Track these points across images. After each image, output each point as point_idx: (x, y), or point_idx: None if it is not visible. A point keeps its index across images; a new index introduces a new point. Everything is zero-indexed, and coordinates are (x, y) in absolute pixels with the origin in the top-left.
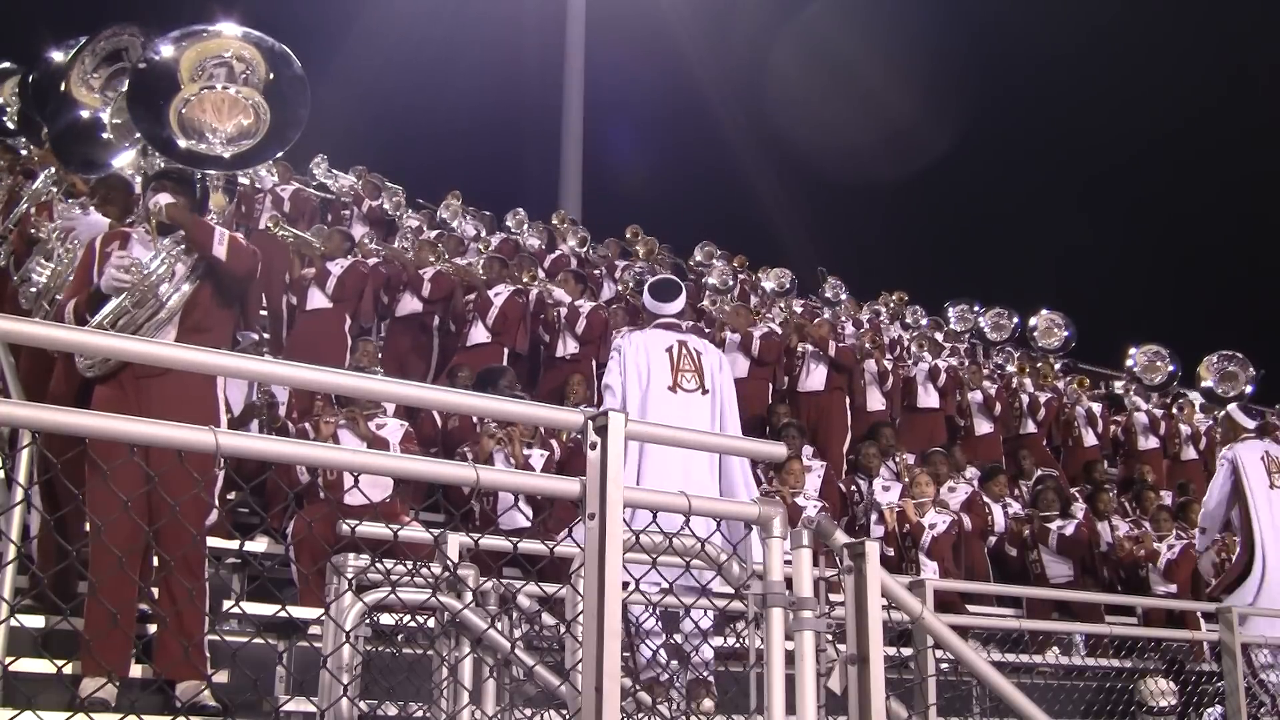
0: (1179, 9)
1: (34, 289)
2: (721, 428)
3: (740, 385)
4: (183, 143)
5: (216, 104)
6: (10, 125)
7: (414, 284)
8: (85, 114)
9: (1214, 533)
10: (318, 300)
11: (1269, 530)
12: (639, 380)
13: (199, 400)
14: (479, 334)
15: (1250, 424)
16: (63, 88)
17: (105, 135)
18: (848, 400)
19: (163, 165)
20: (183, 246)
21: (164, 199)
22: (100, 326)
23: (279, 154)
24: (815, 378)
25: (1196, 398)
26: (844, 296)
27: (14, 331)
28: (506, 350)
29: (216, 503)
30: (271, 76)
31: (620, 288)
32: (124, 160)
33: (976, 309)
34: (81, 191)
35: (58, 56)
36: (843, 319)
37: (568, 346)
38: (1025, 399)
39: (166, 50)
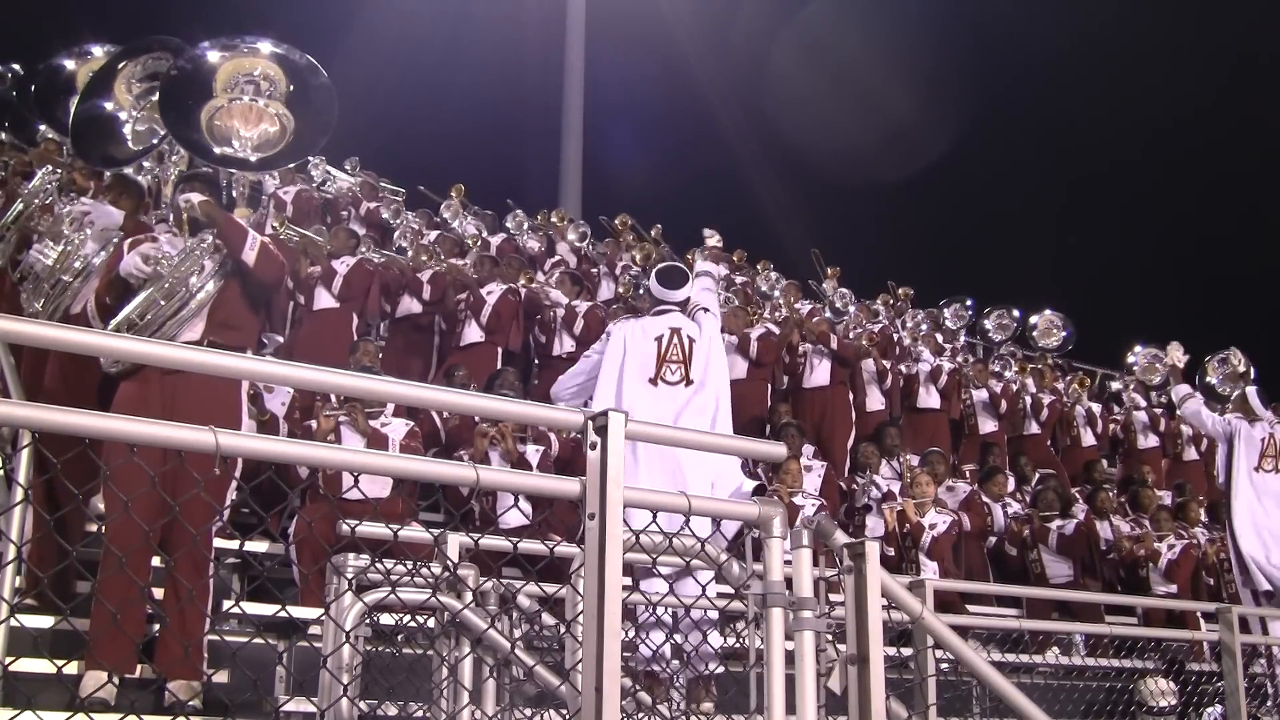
0: (1176, 9)
1: (37, 270)
2: (712, 419)
3: (739, 386)
4: (217, 149)
5: (244, 112)
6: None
7: (414, 286)
8: (112, 109)
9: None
10: (324, 301)
11: (1242, 518)
12: (619, 371)
13: (223, 395)
14: (473, 333)
15: (1263, 411)
16: (112, 79)
17: (126, 134)
18: (850, 396)
19: (186, 168)
20: (212, 243)
21: (196, 197)
22: (129, 319)
23: (304, 158)
24: (819, 374)
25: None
26: (852, 308)
27: (14, 331)
28: (501, 350)
29: (228, 505)
30: (293, 89)
31: (621, 289)
32: (139, 160)
33: (969, 306)
34: (82, 187)
35: (97, 52)
36: (854, 329)
37: (564, 345)
38: (1028, 400)
39: (206, 59)
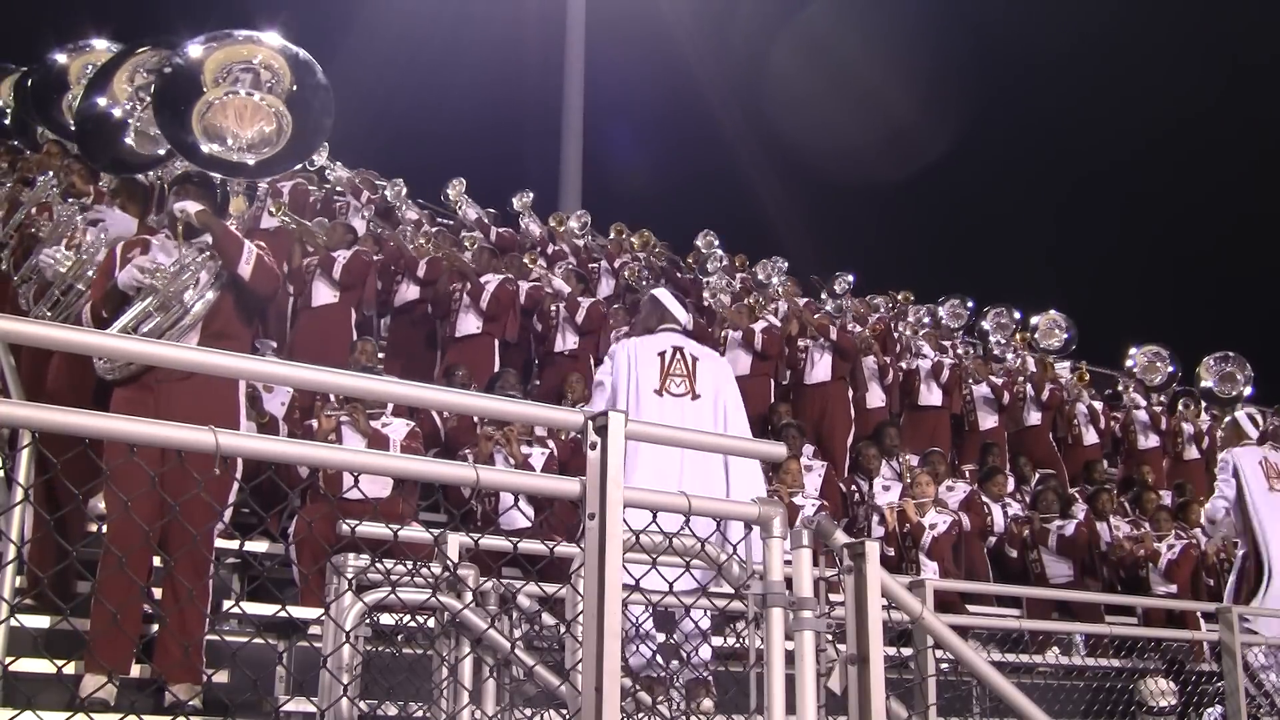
0: (1177, 9)
1: (48, 275)
2: (725, 431)
3: (742, 382)
4: (205, 148)
5: (239, 109)
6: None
7: (410, 265)
8: (108, 104)
9: (1222, 530)
10: (323, 296)
11: (1272, 533)
12: (626, 384)
13: (220, 405)
14: (469, 324)
15: (1254, 432)
16: (113, 75)
17: (132, 138)
18: (850, 393)
19: (183, 169)
20: (208, 254)
21: (192, 206)
22: (124, 331)
23: (303, 162)
24: (820, 368)
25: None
26: (850, 283)
27: (14, 331)
28: (497, 341)
29: (230, 507)
30: (295, 87)
31: (627, 274)
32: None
33: (969, 305)
34: (82, 191)
35: (98, 45)
36: (851, 321)
37: (567, 341)
38: (1029, 387)
39: (192, 52)
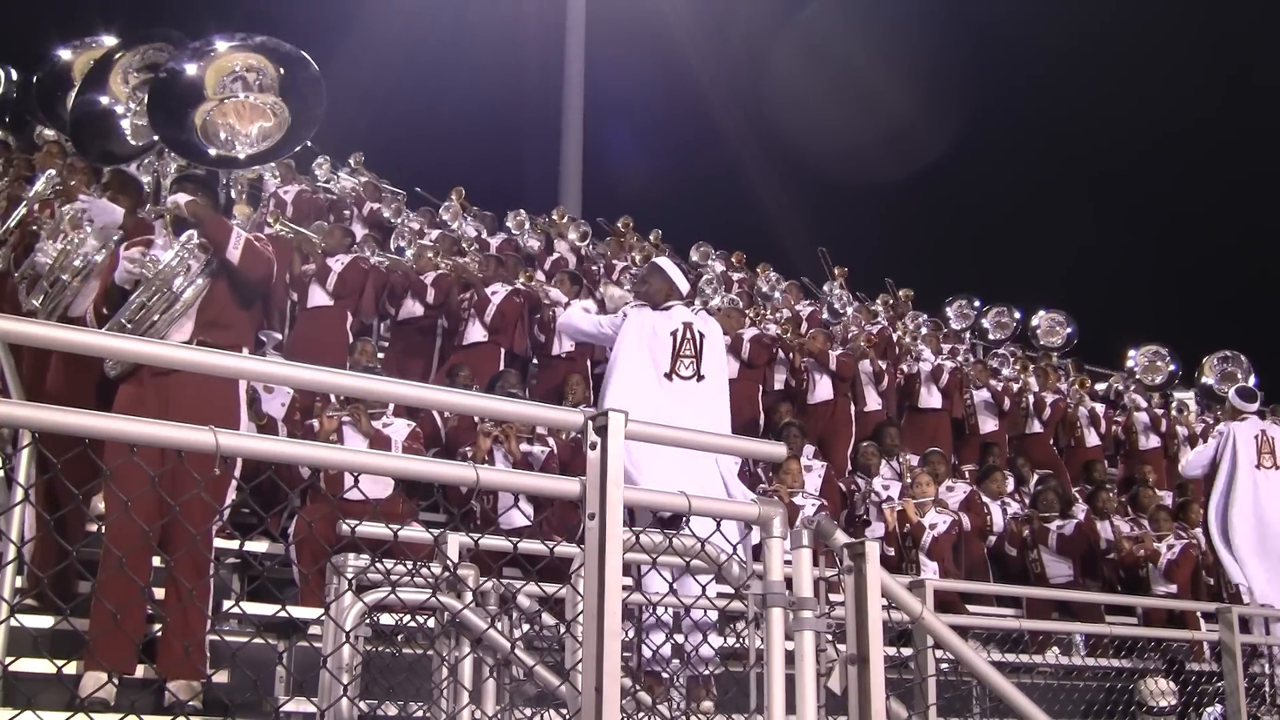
0: (1181, 9)
1: (38, 269)
2: (717, 417)
3: (731, 386)
4: (211, 150)
5: (239, 110)
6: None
7: (417, 289)
8: (109, 103)
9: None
10: (319, 298)
11: (1241, 506)
12: (636, 360)
13: (218, 396)
14: (476, 333)
15: (1250, 407)
16: (108, 70)
17: (125, 129)
18: (852, 407)
19: (177, 170)
20: (198, 242)
21: (182, 197)
22: (118, 323)
23: (293, 151)
24: (822, 389)
25: (1189, 399)
26: (850, 311)
27: (14, 331)
28: (504, 350)
29: (228, 505)
30: (283, 72)
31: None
32: (141, 159)
33: (976, 305)
34: (79, 185)
35: (105, 41)
36: (852, 330)
37: (563, 344)
38: (1030, 398)
39: (191, 67)
